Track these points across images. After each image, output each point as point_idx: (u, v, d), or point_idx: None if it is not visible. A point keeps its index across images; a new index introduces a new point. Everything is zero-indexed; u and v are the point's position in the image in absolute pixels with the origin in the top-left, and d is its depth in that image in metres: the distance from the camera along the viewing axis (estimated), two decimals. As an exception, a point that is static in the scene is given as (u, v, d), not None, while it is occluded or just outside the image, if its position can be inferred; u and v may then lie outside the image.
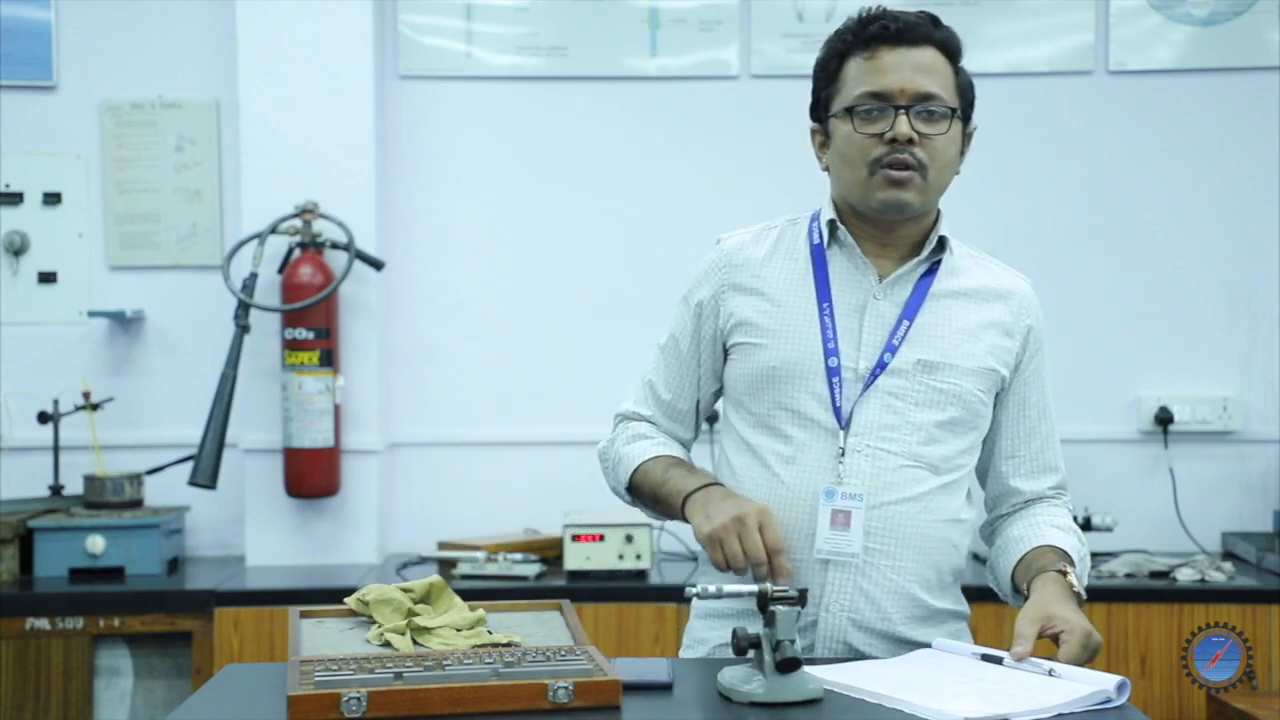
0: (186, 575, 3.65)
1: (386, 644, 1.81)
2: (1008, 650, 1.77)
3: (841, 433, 1.93)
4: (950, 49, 1.97)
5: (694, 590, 1.74)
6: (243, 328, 3.65)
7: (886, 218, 1.97)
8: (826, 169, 2.04)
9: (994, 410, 2.04)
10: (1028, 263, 3.85)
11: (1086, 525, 3.56)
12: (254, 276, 3.65)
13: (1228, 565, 3.52)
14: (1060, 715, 1.59)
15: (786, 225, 2.08)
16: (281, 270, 3.69)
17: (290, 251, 3.69)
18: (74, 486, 3.77)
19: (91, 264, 3.91)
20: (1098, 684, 1.65)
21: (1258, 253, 3.92)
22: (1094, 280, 3.95)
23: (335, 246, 3.71)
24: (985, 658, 1.79)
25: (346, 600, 1.92)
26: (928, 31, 1.95)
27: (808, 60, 4.11)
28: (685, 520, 1.93)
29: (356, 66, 3.78)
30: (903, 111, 1.91)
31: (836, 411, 1.94)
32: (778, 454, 1.96)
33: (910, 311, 1.97)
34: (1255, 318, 3.93)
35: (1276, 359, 3.92)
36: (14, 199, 3.89)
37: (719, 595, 1.72)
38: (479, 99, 3.96)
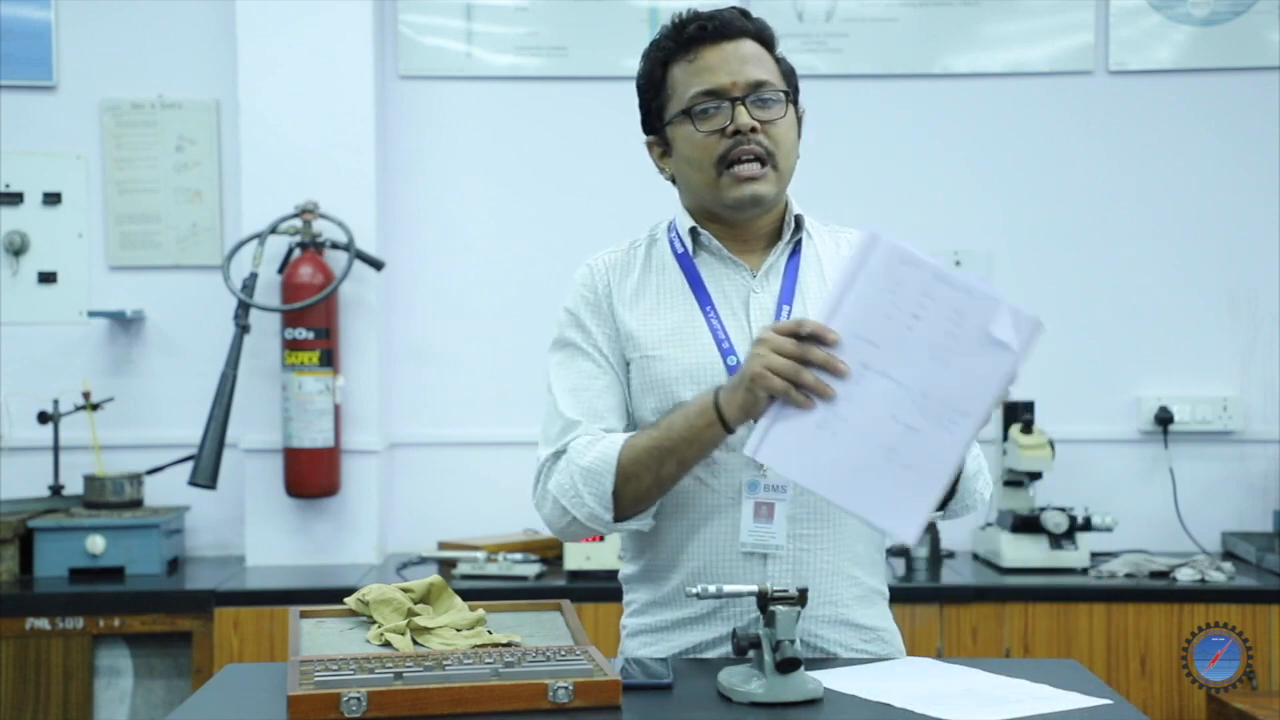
0: (186, 575, 3.65)
1: (386, 644, 1.81)
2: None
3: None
4: (765, 38, 1.99)
5: (694, 591, 1.74)
6: (243, 328, 3.65)
7: (741, 216, 1.98)
8: (672, 179, 2.04)
9: None
10: (1028, 262, 3.93)
11: (1086, 525, 3.55)
12: (254, 276, 3.65)
13: (1228, 565, 3.51)
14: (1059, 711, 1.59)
15: (647, 241, 2.07)
16: (281, 270, 3.69)
17: (290, 251, 3.69)
18: (74, 486, 3.77)
19: (91, 264, 3.91)
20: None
21: (1258, 253, 3.92)
22: (1094, 280, 3.95)
23: (335, 246, 3.71)
24: None
25: (346, 600, 1.92)
26: (743, 25, 1.97)
27: (808, 60, 4.09)
28: (729, 429, 1.80)
29: (356, 66, 3.78)
30: (739, 103, 1.92)
31: None
32: None
33: (787, 295, 1.98)
34: (1255, 318, 3.93)
35: (1276, 359, 3.92)
36: (14, 199, 3.89)
37: (719, 595, 1.72)
38: (479, 99, 3.96)
